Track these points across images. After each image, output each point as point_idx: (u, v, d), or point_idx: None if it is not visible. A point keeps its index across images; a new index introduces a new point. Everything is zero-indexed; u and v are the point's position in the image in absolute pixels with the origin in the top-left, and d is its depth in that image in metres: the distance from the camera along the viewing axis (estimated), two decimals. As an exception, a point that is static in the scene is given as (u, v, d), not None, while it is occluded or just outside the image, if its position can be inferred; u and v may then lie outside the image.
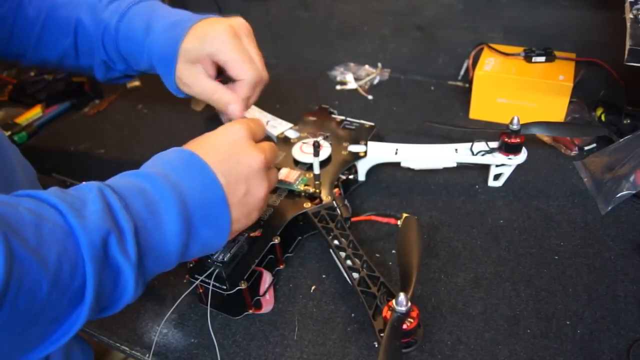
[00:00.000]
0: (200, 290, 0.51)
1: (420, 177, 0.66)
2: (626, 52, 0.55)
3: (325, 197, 0.57)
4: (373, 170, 0.66)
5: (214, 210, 0.41)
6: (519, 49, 0.77)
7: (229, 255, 0.49)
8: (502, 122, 0.76)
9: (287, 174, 0.59)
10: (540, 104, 0.73)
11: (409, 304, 0.41)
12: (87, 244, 0.32)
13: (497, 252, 0.56)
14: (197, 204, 0.39)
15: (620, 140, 0.63)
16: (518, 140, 0.59)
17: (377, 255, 0.56)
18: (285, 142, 0.67)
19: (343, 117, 0.71)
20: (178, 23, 0.53)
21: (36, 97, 0.88)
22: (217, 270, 0.47)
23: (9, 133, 0.80)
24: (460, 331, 0.48)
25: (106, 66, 0.61)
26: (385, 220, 0.55)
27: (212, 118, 0.80)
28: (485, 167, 0.64)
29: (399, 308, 0.41)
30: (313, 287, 0.54)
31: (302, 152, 0.63)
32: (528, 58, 0.75)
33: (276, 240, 0.52)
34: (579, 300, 0.50)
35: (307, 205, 0.56)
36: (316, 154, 0.55)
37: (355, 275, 0.49)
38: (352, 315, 0.50)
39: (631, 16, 0.56)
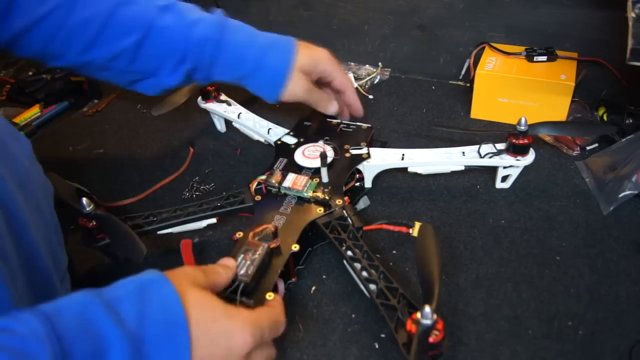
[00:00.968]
0: None
1: (421, 177, 0.66)
2: (628, 51, 0.54)
3: (337, 202, 0.56)
4: (374, 170, 0.66)
5: None
6: (520, 49, 0.77)
7: (252, 268, 0.46)
8: (504, 121, 0.76)
9: (295, 180, 0.58)
10: (542, 103, 0.72)
11: (435, 316, 0.39)
12: None
13: (499, 252, 0.56)
14: None
15: (623, 140, 0.63)
16: (526, 141, 0.59)
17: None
18: (285, 148, 0.66)
19: (338, 120, 0.70)
20: (277, 39, 0.62)
21: (35, 97, 0.87)
22: (242, 285, 0.45)
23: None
24: (461, 332, 0.48)
25: (186, 75, 0.61)
26: (397, 229, 0.53)
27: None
28: (488, 168, 0.64)
29: (425, 321, 0.39)
30: (313, 288, 0.53)
31: (305, 157, 0.62)
32: (530, 57, 0.75)
33: (295, 249, 0.51)
34: (580, 301, 0.50)
35: (320, 211, 0.55)
36: (324, 164, 0.55)
37: (373, 287, 0.48)
38: (353, 316, 0.50)
39: (633, 15, 0.55)
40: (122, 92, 0.92)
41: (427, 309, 0.39)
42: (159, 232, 0.57)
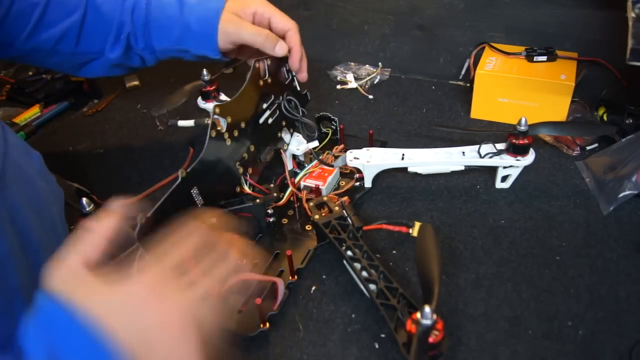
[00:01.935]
0: None
1: (421, 177, 0.66)
2: (628, 51, 0.55)
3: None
4: (373, 170, 0.66)
5: None
6: (520, 48, 0.77)
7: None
8: (504, 121, 0.76)
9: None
10: (542, 103, 0.72)
11: (435, 316, 0.40)
12: None
13: (499, 252, 0.56)
14: None
15: (623, 140, 0.62)
16: (526, 141, 0.59)
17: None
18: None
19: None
20: None
21: (34, 97, 0.87)
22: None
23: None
24: (461, 332, 0.48)
25: (127, 44, 0.63)
26: (397, 228, 0.53)
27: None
28: (487, 167, 0.64)
29: (425, 321, 0.39)
30: (313, 288, 0.53)
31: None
32: (530, 57, 0.75)
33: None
34: (580, 301, 0.50)
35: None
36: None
37: (373, 287, 0.48)
38: (353, 316, 0.50)
39: (633, 15, 0.55)
40: (122, 93, 0.92)
41: (427, 309, 0.39)
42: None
